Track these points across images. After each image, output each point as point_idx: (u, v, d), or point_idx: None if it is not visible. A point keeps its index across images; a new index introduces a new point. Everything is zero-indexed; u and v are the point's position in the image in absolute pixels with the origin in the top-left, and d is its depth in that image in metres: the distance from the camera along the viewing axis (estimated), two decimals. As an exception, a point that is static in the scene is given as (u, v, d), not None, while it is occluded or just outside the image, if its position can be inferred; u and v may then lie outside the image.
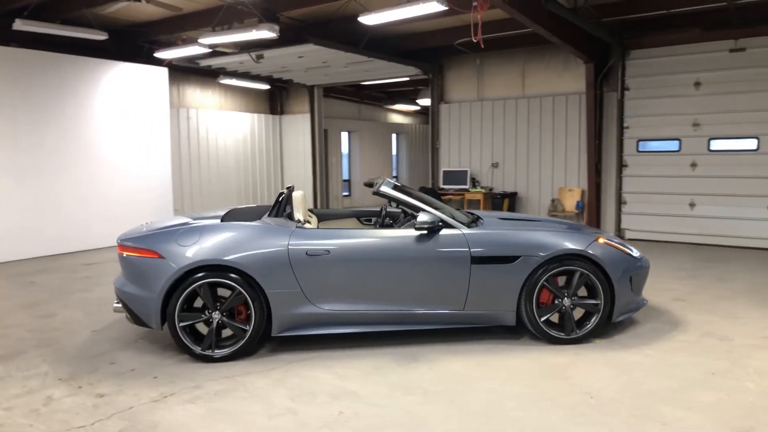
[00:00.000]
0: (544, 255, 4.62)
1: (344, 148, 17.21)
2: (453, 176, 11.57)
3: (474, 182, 11.54)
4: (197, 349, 4.44)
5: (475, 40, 7.05)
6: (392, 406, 3.66)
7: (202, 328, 4.57)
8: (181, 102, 12.46)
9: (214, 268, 4.43)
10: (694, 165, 9.46)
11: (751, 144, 9.02)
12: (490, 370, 4.21)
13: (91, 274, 7.90)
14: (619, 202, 10.16)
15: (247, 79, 12.74)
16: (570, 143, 10.63)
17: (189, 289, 4.40)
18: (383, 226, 5.69)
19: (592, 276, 4.67)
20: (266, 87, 13.41)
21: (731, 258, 8.35)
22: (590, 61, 9.76)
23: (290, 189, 5.81)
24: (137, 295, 4.52)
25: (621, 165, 10.08)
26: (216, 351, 4.46)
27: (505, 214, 6.12)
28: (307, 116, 14.16)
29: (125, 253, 4.62)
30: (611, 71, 10.02)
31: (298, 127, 14.39)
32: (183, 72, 12.10)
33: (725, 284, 6.73)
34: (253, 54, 10.15)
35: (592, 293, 4.74)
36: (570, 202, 10.60)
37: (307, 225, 4.80)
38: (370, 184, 5.69)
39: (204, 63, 11.28)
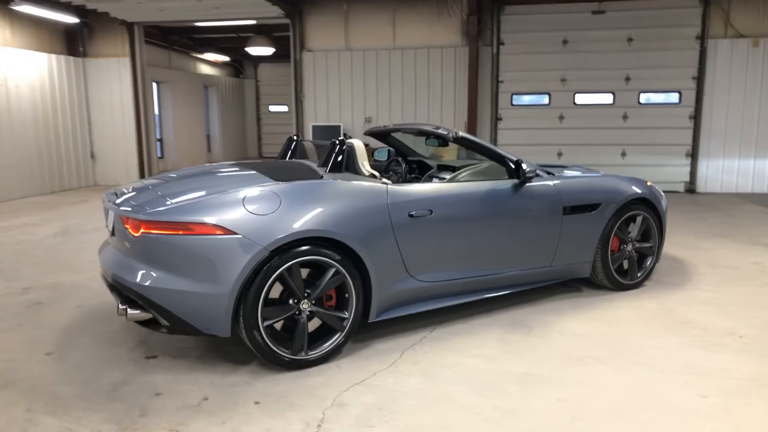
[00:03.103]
0: (618, 201, 4.48)
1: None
2: (324, 131, 10.74)
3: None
4: (286, 354, 3.27)
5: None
6: (598, 381, 3.16)
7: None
8: (-46, 33, 9.14)
9: (303, 242, 3.27)
10: (561, 118, 10.30)
11: (608, 99, 10.14)
12: (610, 326, 3.95)
13: None
14: (495, 154, 10.58)
15: (50, 7, 9.89)
16: (446, 97, 10.65)
17: (276, 274, 3.18)
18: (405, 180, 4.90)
19: (650, 219, 4.69)
20: (75, 20, 10.61)
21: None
22: (473, 13, 9.82)
23: (296, 138, 4.68)
24: (190, 292, 3.11)
25: (496, 118, 10.49)
26: (310, 353, 3.35)
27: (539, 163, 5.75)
28: (125, 61, 11.64)
29: (160, 233, 3.12)
30: (485, 26, 10.24)
31: (111, 74, 11.76)
32: (-46, -9, 8.85)
33: (645, 222, 7.48)
34: (93, -27, 7.85)
35: (645, 236, 4.76)
36: (449, 155, 10.68)
37: (385, 180, 3.85)
38: (383, 131, 4.88)
39: (2, -20, 8.39)
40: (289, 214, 3.24)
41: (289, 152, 4.60)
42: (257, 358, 3.44)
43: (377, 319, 3.62)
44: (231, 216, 3.15)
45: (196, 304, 3.13)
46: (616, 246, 4.59)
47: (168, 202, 3.24)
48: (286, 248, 3.20)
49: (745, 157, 9.92)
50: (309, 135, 10.91)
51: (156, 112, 14.70)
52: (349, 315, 3.44)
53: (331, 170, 3.78)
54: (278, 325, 3.40)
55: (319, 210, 3.33)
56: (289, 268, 3.22)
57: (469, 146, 4.18)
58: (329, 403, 2.95)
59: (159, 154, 14.81)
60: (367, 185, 3.61)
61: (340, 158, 3.81)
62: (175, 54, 15.11)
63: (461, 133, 4.11)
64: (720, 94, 9.80)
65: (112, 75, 11.78)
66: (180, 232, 3.11)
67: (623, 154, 10.20)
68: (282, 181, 3.48)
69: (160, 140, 14.94)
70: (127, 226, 3.24)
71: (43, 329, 4.01)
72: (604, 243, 4.46)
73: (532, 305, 4.33)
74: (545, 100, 10.31)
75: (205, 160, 16.67)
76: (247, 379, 3.22)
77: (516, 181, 4.11)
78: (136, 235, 3.18)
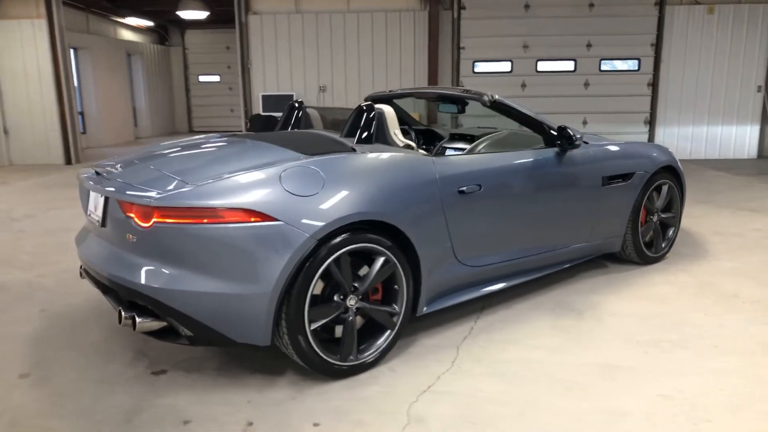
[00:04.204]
0: (649, 170, 4.21)
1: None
2: (276, 102, 9.97)
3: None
4: (337, 362, 2.75)
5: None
6: (688, 371, 2.85)
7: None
8: None
9: (350, 228, 2.73)
10: (524, 86, 10.06)
11: (569, 66, 9.99)
12: (658, 304, 3.68)
13: None
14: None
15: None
16: (405, 64, 10.14)
17: (323, 267, 2.64)
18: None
19: (675, 188, 4.47)
20: (-21, -26, 9.16)
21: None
22: (435, -26, 9.32)
23: (298, 104, 4.09)
24: (220, 294, 2.52)
25: (458, 86, 10.08)
26: (360, 357, 2.85)
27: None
28: (40, 23, 10.24)
29: (179, 222, 2.49)
30: (445, -12, 9.78)
31: (24, 38, 10.32)
32: None
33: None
34: None
35: (667, 206, 4.53)
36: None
37: (422, 151, 3.34)
38: (386, 96, 4.40)
39: None
40: (335, 195, 2.69)
41: (292, 121, 3.98)
42: (293, 366, 2.91)
43: (424, 312, 3.15)
44: (269, 198, 2.55)
45: (228, 308, 2.54)
46: (643, 218, 4.34)
47: (184, 183, 2.59)
48: (332, 236, 2.66)
49: (698, 124, 10.10)
50: (258, 105, 10.11)
51: (75, 82, 13.25)
52: (399, 309, 2.95)
53: (360, 141, 3.24)
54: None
55: (366, 188, 2.80)
56: (336, 260, 2.68)
57: (505, 112, 3.75)
58: (404, 419, 2.47)
59: (81, 129, 13.42)
60: (413, 158, 3.10)
61: (369, 127, 3.26)
62: (93, 17, 13.62)
63: (497, 97, 3.67)
64: (676, 61, 9.88)
65: (26, 39, 10.37)
66: (205, 221, 2.49)
67: (584, 123, 10.13)
68: (311, 154, 2.90)
69: (82, 113, 13.51)
70: (132, 214, 2.57)
71: (6, 343, 3.25)
72: (635, 215, 4.19)
73: (565, 285, 4.01)
74: (507, 67, 10.03)
75: (132, 135, 15.34)
76: (291, 394, 2.68)
77: (557, 149, 3.72)
78: (146, 225, 2.52)
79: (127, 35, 15.46)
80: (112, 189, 2.71)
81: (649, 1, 9.65)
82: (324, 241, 2.62)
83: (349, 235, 2.71)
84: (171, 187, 2.57)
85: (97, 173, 3.03)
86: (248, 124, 9.72)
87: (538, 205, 3.59)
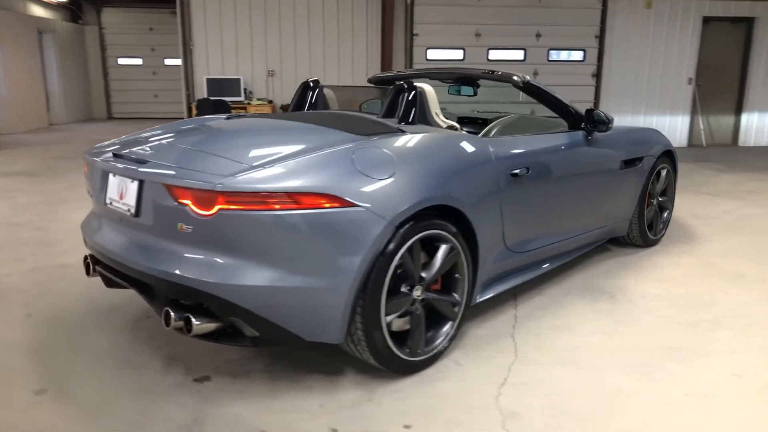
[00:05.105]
0: (655, 154, 4.30)
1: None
2: (222, 86, 9.40)
3: (246, 93, 9.66)
4: (406, 356, 2.56)
5: None
6: (741, 349, 2.90)
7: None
8: None
9: (421, 215, 2.54)
10: (475, 74, 10.09)
11: (519, 55, 10.14)
12: (678, 285, 3.75)
13: None
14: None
15: None
16: (357, 49, 9.87)
17: (398, 255, 2.43)
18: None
19: (671, 172, 4.59)
20: None
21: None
22: (390, -42, 9.12)
23: (316, 82, 3.81)
24: (293, 288, 2.25)
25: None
26: (428, 349, 2.67)
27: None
28: (-55, -8, 9.11)
29: (247, 209, 2.18)
30: (396, -27, 9.61)
31: (-75, 9, 9.14)
32: None
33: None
34: None
35: (663, 190, 4.65)
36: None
37: (464, 131, 3.18)
38: (392, 77, 4.17)
39: None
40: (408, 178, 2.48)
41: (308, 102, 3.69)
42: (351, 365, 2.68)
43: (477, 302, 3.01)
44: (347, 182, 2.31)
45: (300, 304, 2.28)
46: (646, 201, 4.43)
47: (244, 165, 2.28)
48: (405, 222, 2.45)
49: (636, 114, 10.59)
50: (202, 89, 9.50)
51: (-20, 61, 11.91)
52: (461, 298, 2.79)
53: (401, 121, 3.03)
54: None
55: (435, 171, 2.62)
56: (409, 248, 2.48)
57: (536, 94, 3.66)
58: (497, 414, 2.32)
59: (-13, 114, 12.12)
60: (471, 139, 2.94)
61: (411, 107, 3.06)
62: (0, -11, 12.28)
63: (528, 78, 3.57)
64: (618, 53, 10.28)
65: (-72, 10, 9.16)
66: (277, 207, 2.21)
67: (532, 113, 10.31)
68: (368, 135, 2.67)
69: (-11, 96, 12.18)
70: (187, 201, 2.23)
71: (1, 355, 2.79)
72: (641, 198, 4.26)
73: (583, 270, 4.00)
74: (460, 55, 10.02)
75: (45, 121, 14.04)
76: (363, 395, 2.46)
77: (584, 132, 3.69)
78: (207, 213, 2.20)
79: (37, 10, 14.09)
80: (155, 172, 2.36)
81: (593, -6, 9.97)
82: (399, 228, 2.42)
83: (416, 221, 2.52)
84: (232, 169, 2.26)
85: (116, 155, 2.64)
86: (193, 109, 9.11)
87: (573, 189, 3.55)
